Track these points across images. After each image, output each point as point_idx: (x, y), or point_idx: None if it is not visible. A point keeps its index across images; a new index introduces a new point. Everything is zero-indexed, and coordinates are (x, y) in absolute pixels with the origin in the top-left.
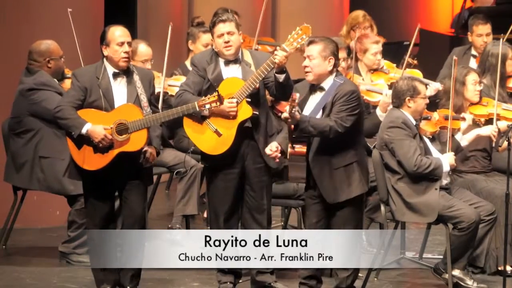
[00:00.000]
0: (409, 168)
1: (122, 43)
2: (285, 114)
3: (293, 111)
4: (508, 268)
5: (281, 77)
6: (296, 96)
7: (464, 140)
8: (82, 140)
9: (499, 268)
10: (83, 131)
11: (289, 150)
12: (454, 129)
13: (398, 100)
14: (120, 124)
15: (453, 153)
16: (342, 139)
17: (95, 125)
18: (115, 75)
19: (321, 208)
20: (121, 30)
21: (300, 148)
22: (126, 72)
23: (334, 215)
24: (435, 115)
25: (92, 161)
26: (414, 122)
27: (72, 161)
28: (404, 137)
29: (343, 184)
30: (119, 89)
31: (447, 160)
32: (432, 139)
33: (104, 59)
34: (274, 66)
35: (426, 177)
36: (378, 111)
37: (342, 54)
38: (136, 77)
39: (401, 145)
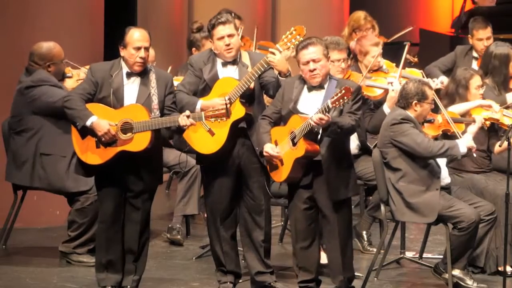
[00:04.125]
0: (424, 152)
1: (139, 48)
2: (320, 115)
3: (326, 111)
4: (508, 268)
5: None
6: (352, 89)
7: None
8: (86, 133)
9: (499, 269)
10: (88, 123)
11: (307, 146)
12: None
13: (405, 101)
14: (125, 123)
15: (470, 135)
16: (345, 139)
17: (100, 119)
18: (129, 75)
19: (312, 211)
20: (140, 34)
21: (313, 146)
22: (141, 72)
23: (325, 217)
24: (439, 118)
25: (93, 156)
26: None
27: (78, 157)
28: (410, 129)
29: (343, 183)
30: (131, 89)
31: (463, 142)
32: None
33: (121, 58)
34: (267, 66)
35: (427, 176)
36: (386, 108)
37: (343, 55)
38: (152, 77)
39: (409, 135)
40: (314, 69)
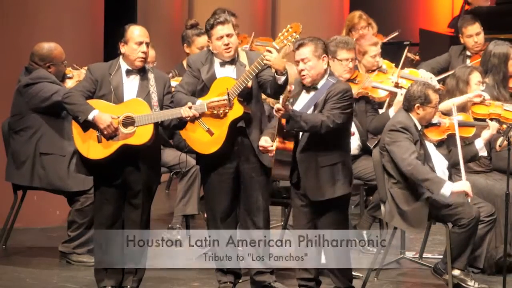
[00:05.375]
0: (403, 168)
1: (141, 43)
2: (278, 105)
3: (286, 103)
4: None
5: (281, 79)
6: (292, 87)
7: (483, 150)
8: (88, 128)
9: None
10: (90, 117)
11: (278, 144)
12: (467, 138)
13: (408, 104)
14: (127, 117)
15: (468, 183)
16: (330, 138)
17: (102, 112)
18: (128, 72)
19: (309, 209)
20: (140, 30)
21: (289, 144)
22: (140, 71)
23: (319, 216)
24: (446, 121)
25: (96, 151)
26: (419, 127)
27: (79, 154)
28: (403, 139)
29: (328, 183)
30: (131, 86)
31: (451, 186)
32: (440, 144)
33: (120, 57)
34: (264, 64)
35: (419, 185)
36: (392, 112)
37: (351, 54)
38: (150, 76)
39: (398, 146)
40: (302, 70)
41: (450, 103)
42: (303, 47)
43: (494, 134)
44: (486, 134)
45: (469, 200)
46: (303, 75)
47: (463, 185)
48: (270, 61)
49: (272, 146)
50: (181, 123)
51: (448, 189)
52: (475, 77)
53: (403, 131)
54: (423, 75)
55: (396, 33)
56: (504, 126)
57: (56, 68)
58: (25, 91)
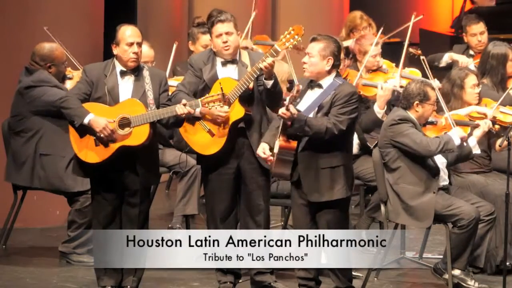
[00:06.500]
0: (424, 151)
1: (132, 44)
2: (283, 110)
3: (293, 103)
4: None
5: (269, 83)
6: (300, 87)
7: (477, 148)
8: (84, 132)
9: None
10: (85, 121)
11: (282, 142)
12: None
13: (406, 102)
14: (123, 118)
15: (459, 127)
16: (334, 140)
17: (97, 116)
18: (123, 73)
19: (309, 208)
20: (131, 30)
21: (293, 142)
22: (135, 70)
23: (319, 215)
24: (442, 120)
25: (92, 154)
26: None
27: (76, 156)
28: (407, 128)
29: (327, 185)
30: (126, 87)
31: (456, 133)
32: None
33: (114, 57)
34: (260, 68)
35: (425, 178)
36: (376, 107)
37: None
38: (145, 73)
39: (408, 135)
40: (304, 62)
41: (464, 113)
42: (314, 42)
43: (485, 132)
44: (478, 132)
45: (465, 144)
46: (304, 68)
47: (458, 130)
48: (268, 67)
49: (269, 156)
50: (179, 120)
51: (457, 138)
52: (470, 80)
53: (404, 122)
54: (459, 59)
55: (421, 17)
56: (497, 126)
57: (56, 69)
58: (26, 92)
